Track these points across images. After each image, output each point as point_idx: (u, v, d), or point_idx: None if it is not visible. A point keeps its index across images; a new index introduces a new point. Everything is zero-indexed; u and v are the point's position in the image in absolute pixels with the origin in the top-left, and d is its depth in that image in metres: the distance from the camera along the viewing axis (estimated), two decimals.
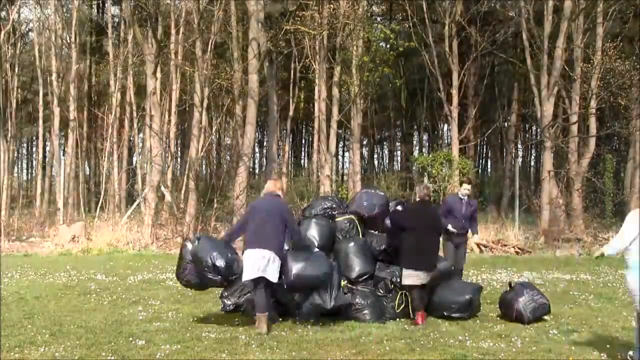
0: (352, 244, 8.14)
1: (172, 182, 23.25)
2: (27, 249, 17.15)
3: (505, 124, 28.73)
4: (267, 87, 23.49)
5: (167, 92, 25.11)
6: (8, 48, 23.95)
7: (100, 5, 32.20)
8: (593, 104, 21.16)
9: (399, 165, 37.17)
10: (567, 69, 21.35)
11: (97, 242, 17.21)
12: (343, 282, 7.81)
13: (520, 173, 23.98)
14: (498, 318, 7.94)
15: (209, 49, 19.42)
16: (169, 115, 24.74)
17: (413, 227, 7.74)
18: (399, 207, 8.62)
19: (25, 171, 41.92)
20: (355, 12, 20.47)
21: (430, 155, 22.33)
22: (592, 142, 21.46)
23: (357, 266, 7.96)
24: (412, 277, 7.61)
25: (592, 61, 20.95)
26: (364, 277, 7.96)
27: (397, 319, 7.74)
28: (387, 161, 41.28)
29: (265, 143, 34.69)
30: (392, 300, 7.89)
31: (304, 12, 20.26)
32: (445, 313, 7.81)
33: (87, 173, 29.36)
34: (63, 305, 8.70)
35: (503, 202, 26.34)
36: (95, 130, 30.04)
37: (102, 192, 23.53)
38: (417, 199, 8.21)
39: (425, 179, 20.24)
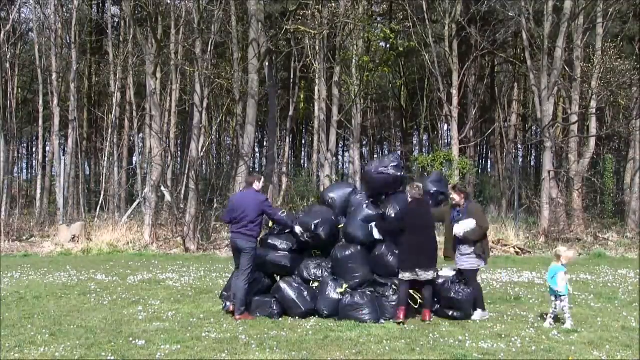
0: (351, 250, 8.12)
1: (172, 182, 23.23)
2: (27, 249, 17.16)
3: (505, 124, 28.72)
4: (267, 87, 23.48)
5: (167, 92, 25.09)
6: (8, 48, 23.92)
7: (100, 5, 32.19)
8: (593, 104, 21.16)
9: None
10: (567, 69, 21.34)
11: (97, 242, 17.22)
12: (344, 286, 7.83)
13: (520, 173, 23.96)
14: (498, 318, 7.94)
15: (209, 49, 19.40)
16: (169, 115, 24.72)
17: (410, 226, 7.76)
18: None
19: (25, 171, 41.86)
20: (355, 12, 20.46)
21: (430, 155, 22.30)
22: (592, 142, 21.45)
23: (358, 273, 7.99)
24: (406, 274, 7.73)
25: (592, 61, 20.95)
26: (364, 284, 8.00)
27: None
28: None
29: (265, 143, 34.62)
30: (392, 300, 7.87)
31: (304, 12, 20.24)
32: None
33: (87, 173, 29.33)
34: (63, 305, 8.70)
35: (503, 202, 26.32)
36: (95, 130, 30.04)
37: (102, 192, 23.50)
38: (410, 199, 8.03)
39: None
